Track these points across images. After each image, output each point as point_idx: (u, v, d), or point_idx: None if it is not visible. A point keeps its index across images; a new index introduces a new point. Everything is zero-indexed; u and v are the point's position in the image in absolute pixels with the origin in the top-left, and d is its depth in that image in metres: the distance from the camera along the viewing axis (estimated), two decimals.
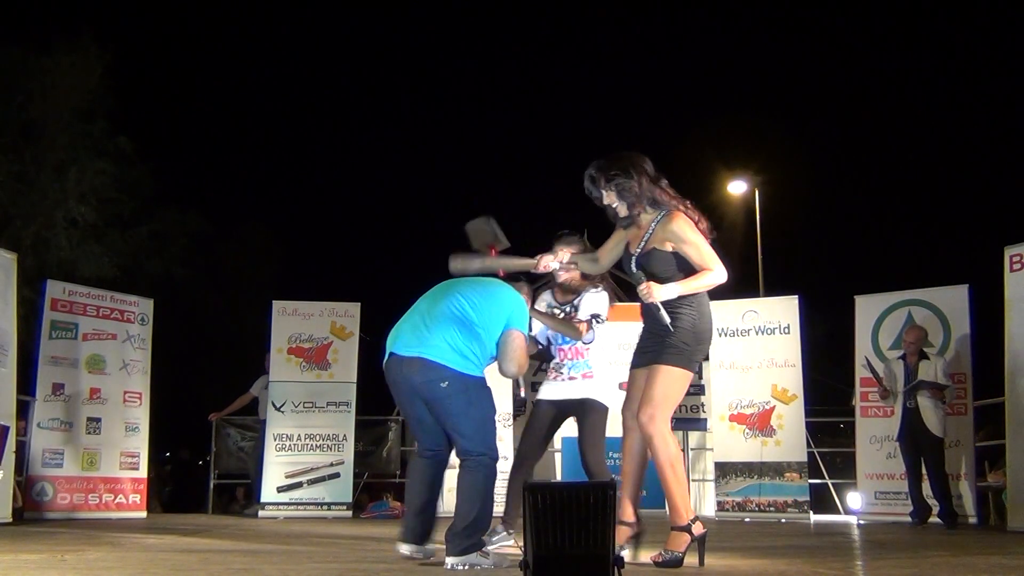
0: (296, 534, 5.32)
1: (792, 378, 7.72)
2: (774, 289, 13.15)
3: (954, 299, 7.25)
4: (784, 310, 7.88)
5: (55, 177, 13.41)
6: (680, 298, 3.47)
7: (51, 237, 13.33)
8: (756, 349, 7.87)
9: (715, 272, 3.47)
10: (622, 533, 3.52)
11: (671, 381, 3.46)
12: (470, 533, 3.24)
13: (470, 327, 3.39)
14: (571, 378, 4.35)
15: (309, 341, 7.94)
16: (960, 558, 3.81)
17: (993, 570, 3.28)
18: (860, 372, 7.56)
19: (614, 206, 3.59)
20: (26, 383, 6.87)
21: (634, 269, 3.58)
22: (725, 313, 8.08)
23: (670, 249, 3.50)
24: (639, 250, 3.57)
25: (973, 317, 7.15)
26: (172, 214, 15.93)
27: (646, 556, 3.56)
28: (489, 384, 3.51)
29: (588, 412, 4.31)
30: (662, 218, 3.53)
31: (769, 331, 7.85)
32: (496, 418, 3.55)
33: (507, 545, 4.20)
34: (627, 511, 3.61)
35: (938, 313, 7.29)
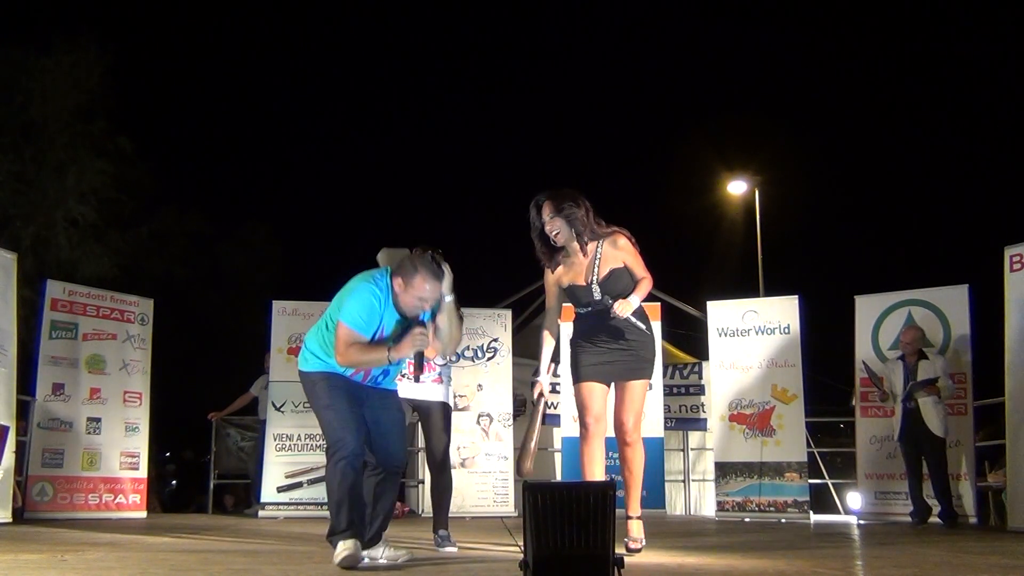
0: (296, 534, 5.31)
1: (792, 378, 7.71)
2: (774, 289, 13.17)
3: (954, 299, 7.25)
4: (784, 310, 7.88)
5: (55, 177, 13.39)
6: (641, 316, 3.97)
7: (51, 237, 13.31)
8: (756, 349, 7.86)
9: (649, 279, 3.99)
10: None
11: (644, 393, 4.04)
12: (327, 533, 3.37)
13: (321, 324, 3.52)
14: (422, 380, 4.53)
15: None
16: (960, 558, 3.81)
17: (993, 570, 3.28)
18: (860, 372, 7.56)
19: (555, 234, 3.94)
20: (26, 383, 6.87)
21: (597, 295, 3.95)
22: (725, 313, 8.08)
23: (622, 265, 3.97)
24: (595, 276, 3.96)
25: (973, 317, 7.14)
26: (172, 214, 15.92)
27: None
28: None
29: (439, 410, 4.48)
30: (605, 243, 3.98)
31: (769, 331, 7.84)
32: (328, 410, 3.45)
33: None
34: None
35: (938, 313, 7.29)
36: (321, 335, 3.48)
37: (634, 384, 3.98)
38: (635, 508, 4.04)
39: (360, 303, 3.37)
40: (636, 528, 4.00)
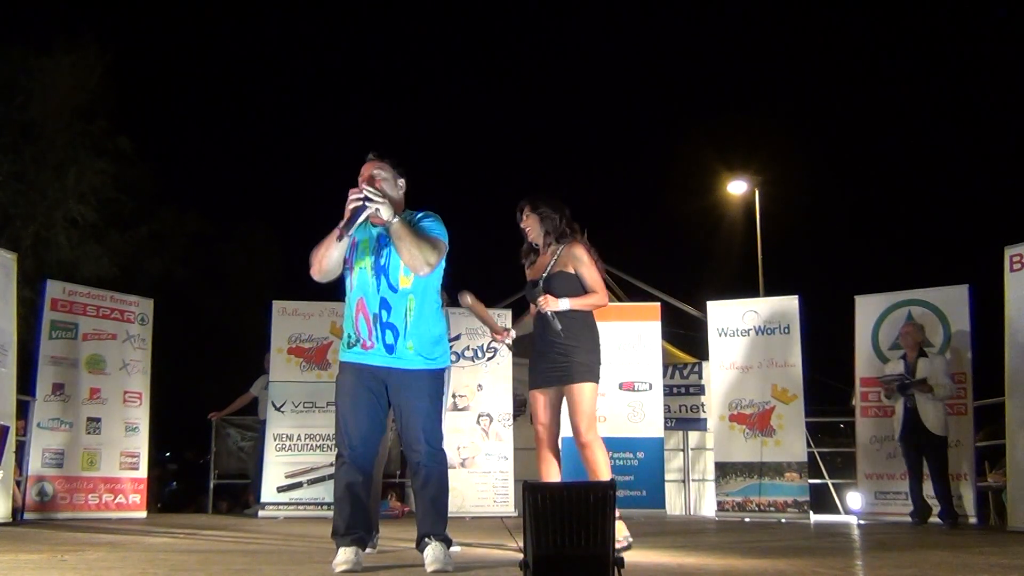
0: (296, 534, 5.31)
1: (792, 378, 7.71)
2: (774, 289, 13.17)
3: (954, 299, 7.25)
4: (784, 310, 7.88)
5: (55, 177, 13.40)
6: (582, 323, 4.11)
7: (51, 237, 13.32)
8: (756, 349, 7.86)
9: (600, 295, 4.16)
10: None
11: (591, 395, 4.11)
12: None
13: None
14: None
15: (309, 341, 7.93)
16: (960, 558, 3.81)
17: (993, 570, 3.28)
18: (860, 372, 7.56)
19: (527, 230, 4.25)
20: (26, 383, 6.87)
21: (538, 291, 4.15)
22: (725, 313, 8.08)
23: (572, 271, 4.15)
24: (545, 274, 4.18)
25: (973, 317, 7.15)
26: (172, 214, 15.94)
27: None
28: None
29: None
30: (565, 247, 4.19)
31: (769, 331, 7.84)
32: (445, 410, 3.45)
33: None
34: None
35: (938, 313, 7.29)
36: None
37: (573, 388, 4.08)
38: None
39: None
40: (618, 528, 3.96)
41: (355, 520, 3.21)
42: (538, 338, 4.20)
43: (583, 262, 4.16)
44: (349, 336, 3.28)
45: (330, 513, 7.67)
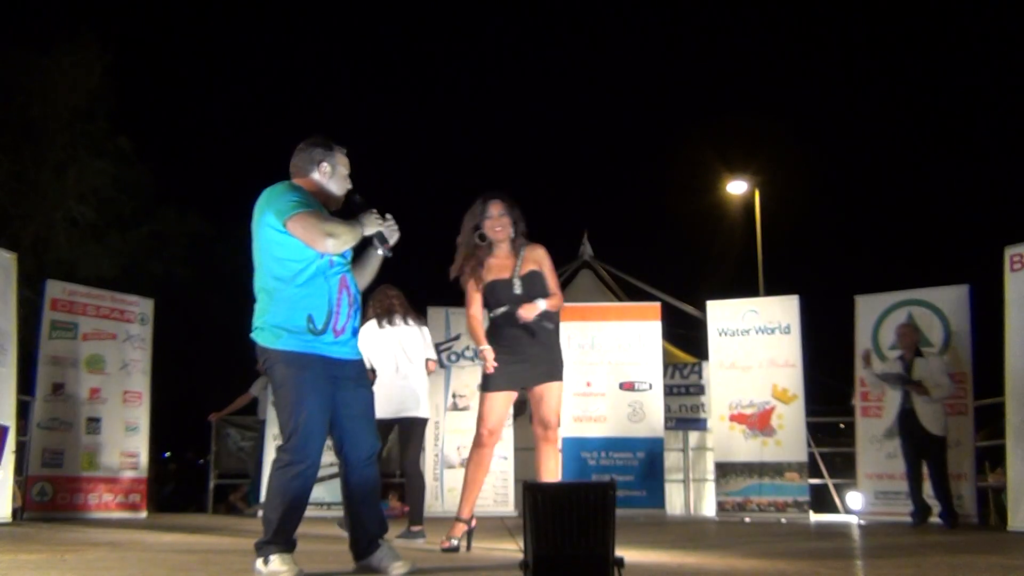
0: (296, 534, 5.30)
1: (792, 378, 7.71)
2: (774, 289, 13.15)
3: (954, 299, 7.26)
4: (784, 310, 7.88)
5: (55, 177, 13.40)
6: (554, 322, 4.16)
7: (51, 237, 13.33)
8: (756, 349, 7.86)
9: (560, 296, 4.21)
10: (458, 528, 4.11)
11: (562, 393, 4.21)
12: (257, 543, 2.96)
13: (265, 294, 3.02)
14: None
15: None
16: (960, 558, 3.81)
17: (993, 570, 3.28)
18: (860, 372, 7.56)
19: (499, 230, 4.18)
20: (26, 383, 6.87)
21: (518, 289, 4.13)
22: (725, 313, 8.08)
23: (540, 270, 4.20)
24: (516, 273, 4.17)
25: (973, 317, 7.15)
26: (172, 214, 15.93)
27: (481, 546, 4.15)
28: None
29: (415, 425, 5.03)
30: (527, 247, 4.24)
31: (769, 331, 7.84)
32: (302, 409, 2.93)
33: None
34: (466, 510, 4.17)
35: (938, 313, 7.29)
36: (275, 304, 2.98)
37: (552, 386, 4.12)
38: None
39: (290, 192, 3.04)
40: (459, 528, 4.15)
41: (291, 530, 3.01)
42: (501, 336, 4.12)
43: (547, 263, 4.24)
44: (313, 318, 2.96)
45: (331, 513, 7.70)
